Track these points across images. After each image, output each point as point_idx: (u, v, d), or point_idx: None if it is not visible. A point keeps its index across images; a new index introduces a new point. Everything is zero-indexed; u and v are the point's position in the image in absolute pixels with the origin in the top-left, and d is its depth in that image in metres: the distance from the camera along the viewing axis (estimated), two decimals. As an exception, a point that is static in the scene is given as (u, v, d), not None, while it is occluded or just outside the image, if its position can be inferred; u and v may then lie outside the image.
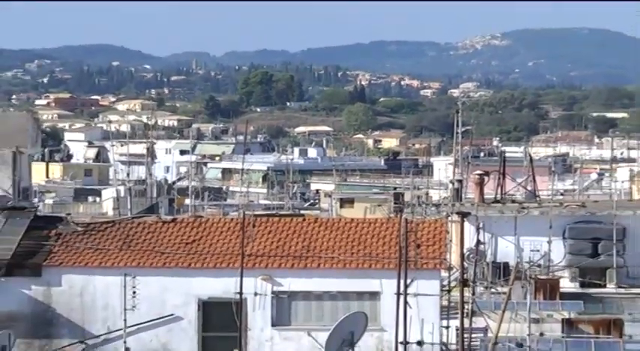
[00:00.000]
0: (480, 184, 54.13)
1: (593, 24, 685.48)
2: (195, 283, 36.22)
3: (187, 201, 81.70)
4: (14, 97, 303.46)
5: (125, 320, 35.28)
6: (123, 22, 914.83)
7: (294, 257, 36.60)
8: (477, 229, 47.09)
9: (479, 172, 55.77)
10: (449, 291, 39.26)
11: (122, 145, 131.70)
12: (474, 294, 39.54)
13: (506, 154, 77.20)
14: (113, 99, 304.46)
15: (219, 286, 35.87)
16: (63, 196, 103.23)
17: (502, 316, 28.45)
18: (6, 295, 36.22)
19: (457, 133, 58.61)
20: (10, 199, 43.16)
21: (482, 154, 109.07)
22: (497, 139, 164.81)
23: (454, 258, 41.26)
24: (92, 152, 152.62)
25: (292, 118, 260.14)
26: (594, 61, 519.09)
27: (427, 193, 77.35)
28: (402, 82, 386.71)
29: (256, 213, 50.23)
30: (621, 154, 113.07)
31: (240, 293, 34.67)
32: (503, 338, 32.32)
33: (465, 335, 30.16)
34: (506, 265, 47.38)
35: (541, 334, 36.13)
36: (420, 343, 34.56)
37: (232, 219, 40.94)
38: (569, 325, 37.57)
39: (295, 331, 36.00)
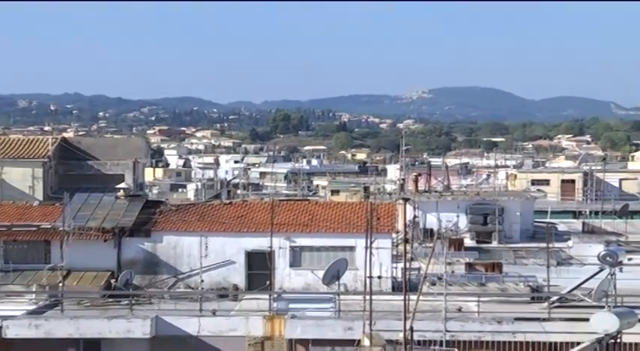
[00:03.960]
0: (416, 181, 54.06)
1: (484, 84, 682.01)
2: (244, 241, 36.13)
3: (238, 191, 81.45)
4: (134, 129, 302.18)
5: (201, 263, 35.25)
6: (202, 82, 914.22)
7: (303, 225, 36.56)
8: (414, 208, 47.24)
9: (415, 173, 55.67)
10: (397, 246, 39.20)
11: (199, 157, 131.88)
12: (412, 247, 39.51)
13: (431, 163, 77.27)
14: (194, 130, 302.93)
15: (258, 243, 35.79)
16: (163, 188, 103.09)
17: (429, 261, 28.28)
18: (129, 248, 36.24)
19: (402, 150, 58.54)
20: (132, 189, 43.08)
21: (416, 163, 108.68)
22: (426, 153, 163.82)
23: (400, 226, 41.15)
24: (181, 162, 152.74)
25: (302, 141, 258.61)
26: (484, 106, 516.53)
27: (383, 187, 77.17)
28: (369, 120, 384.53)
29: (280, 199, 50.10)
30: (500, 163, 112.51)
31: (271, 247, 34.62)
32: (430, 274, 32.26)
33: (407, 272, 30.01)
34: (431, 230, 47.29)
35: (452, 272, 36.08)
36: (379, 277, 34.49)
37: (266, 202, 40.91)
38: (469, 266, 37.51)
39: (304, 270, 35.93)
